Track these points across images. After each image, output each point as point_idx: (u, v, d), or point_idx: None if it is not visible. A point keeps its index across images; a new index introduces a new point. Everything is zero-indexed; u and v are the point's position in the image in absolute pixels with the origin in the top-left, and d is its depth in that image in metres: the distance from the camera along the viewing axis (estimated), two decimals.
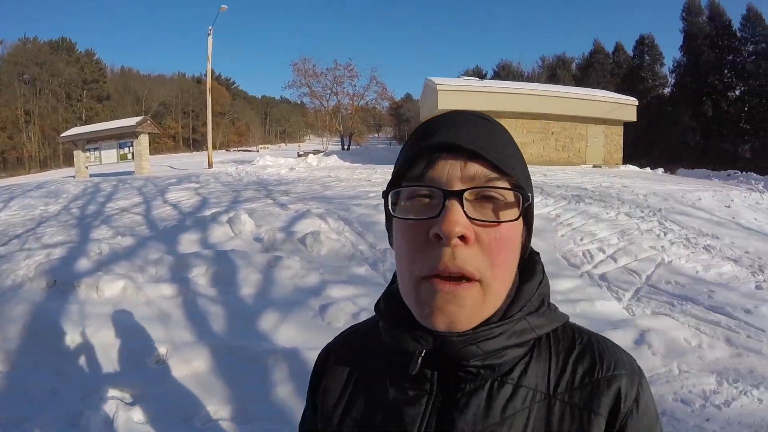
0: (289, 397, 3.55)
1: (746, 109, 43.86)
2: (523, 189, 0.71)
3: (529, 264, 0.80)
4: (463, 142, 0.69)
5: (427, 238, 0.67)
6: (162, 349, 4.06)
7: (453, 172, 0.69)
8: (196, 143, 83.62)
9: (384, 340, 0.79)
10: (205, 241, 7.30)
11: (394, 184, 0.74)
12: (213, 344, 4.14)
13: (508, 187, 0.70)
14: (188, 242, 7.23)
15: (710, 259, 7.71)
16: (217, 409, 3.44)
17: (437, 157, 0.70)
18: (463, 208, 0.67)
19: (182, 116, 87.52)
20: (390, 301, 0.80)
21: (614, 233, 8.54)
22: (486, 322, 0.71)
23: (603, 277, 6.66)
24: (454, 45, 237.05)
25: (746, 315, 5.52)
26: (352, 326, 0.97)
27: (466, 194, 0.67)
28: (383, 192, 0.74)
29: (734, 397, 3.93)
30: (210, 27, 27.76)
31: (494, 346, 0.70)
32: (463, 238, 0.66)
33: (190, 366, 3.87)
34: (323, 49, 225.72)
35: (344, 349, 0.91)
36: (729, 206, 11.94)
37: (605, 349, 0.77)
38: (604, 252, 7.57)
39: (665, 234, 8.77)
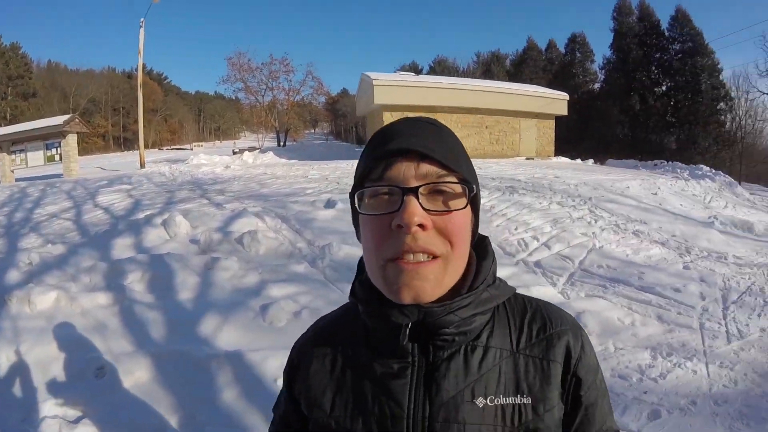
0: (236, 400, 3.50)
1: (672, 103, 46.03)
2: (468, 182, 0.84)
3: (482, 246, 0.96)
4: (415, 146, 0.81)
5: (390, 228, 0.79)
6: (102, 362, 3.88)
7: (408, 172, 0.81)
8: (127, 142, 79.98)
9: (368, 321, 0.89)
10: (139, 245, 7.09)
11: (358, 185, 0.85)
12: (154, 352, 4.01)
13: (456, 181, 0.83)
14: (122, 247, 7.00)
15: (639, 243, 8.08)
16: (165, 419, 3.35)
17: (394, 160, 0.82)
18: (419, 201, 0.79)
19: (112, 114, 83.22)
20: (364, 287, 0.91)
21: (547, 222, 8.83)
22: (457, 294, 0.84)
23: (538, 264, 6.88)
24: (391, 40, 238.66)
25: (675, 293, 5.85)
26: (318, 321, 1.06)
27: (420, 190, 0.79)
28: (350, 193, 0.86)
29: (669, 369, 4.18)
30: (142, 19, 26.50)
31: (467, 313, 0.84)
32: (421, 226, 0.78)
33: (132, 377, 3.73)
34: (259, 44, 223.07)
35: (318, 340, 1.00)
36: (656, 193, 12.51)
37: (551, 310, 0.95)
38: (538, 240, 7.81)
39: (596, 221, 9.12)
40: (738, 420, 3.49)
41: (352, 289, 0.95)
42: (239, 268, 5.89)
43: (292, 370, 1.01)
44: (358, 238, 0.90)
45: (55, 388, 3.63)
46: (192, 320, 4.66)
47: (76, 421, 3.26)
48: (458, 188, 0.83)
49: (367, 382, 0.89)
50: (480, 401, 0.84)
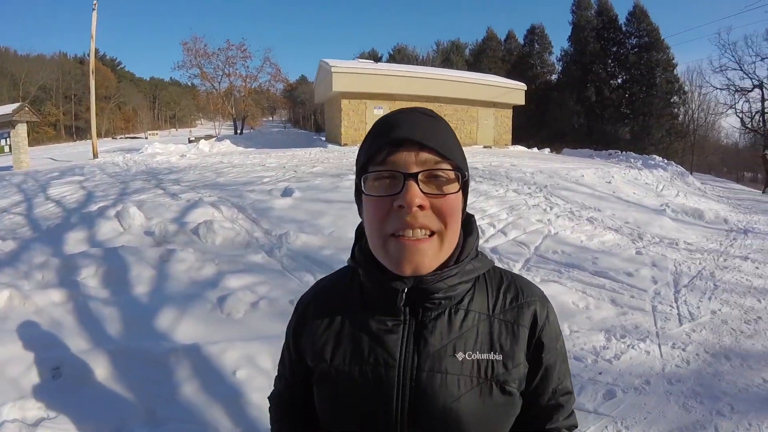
0: (196, 394, 3.45)
1: (627, 95, 47.25)
2: (461, 169, 0.97)
3: (469, 223, 1.08)
4: (415, 136, 0.93)
5: (392, 208, 0.92)
6: (59, 361, 3.75)
7: (409, 159, 0.93)
8: (79, 131, 76.30)
9: (368, 284, 1.04)
10: (92, 238, 6.90)
11: (363, 169, 0.98)
12: (111, 349, 3.90)
13: (450, 168, 0.95)
14: (75, 241, 6.79)
15: (593, 229, 8.29)
16: (125, 416, 3.26)
17: (396, 148, 0.94)
18: (418, 185, 0.91)
19: (64, 101, 78.89)
20: (365, 254, 1.04)
21: (504, 209, 8.99)
22: (446, 266, 0.99)
23: (494, 250, 7.01)
24: (350, 28, 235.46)
25: (628, 277, 6.04)
26: (319, 282, 1.20)
27: (420, 176, 0.92)
28: (356, 175, 1.01)
29: (623, 350, 4.32)
30: (95, 1, 25.28)
31: (454, 281, 0.99)
32: (420, 206, 0.91)
33: (90, 375, 3.62)
34: (216, 28, 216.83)
35: (321, 299, 1.14)
36: (610, 182, 12.84)
37: (523, 283, 1.11)
38: (494, 227, 7.94)
39: (551, 208, 9.32)
40: (691, 398, 3.62)
41: (352, 254, 1.10)
42: (195, 259, 5.80)
43: (298, 326, 1.15)
44: (360, 214, 1.04)
45: (12, 390, 3.48)
46: (148, 315, 4.57)
47: (36, 423, 3.15)
48: (452, 174, 0.96)
49: (365, 336, 1.02)
50: (460, 355, 0.99)
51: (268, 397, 1.30)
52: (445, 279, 0.98)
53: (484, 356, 1.00)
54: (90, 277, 5.29)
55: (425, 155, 0.93)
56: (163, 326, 4.39)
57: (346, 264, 1.15)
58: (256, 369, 3.64)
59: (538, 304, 1.07)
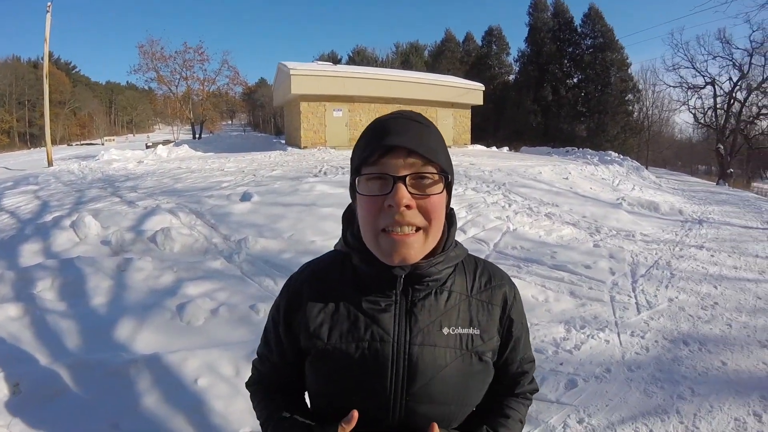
0: (158, 404, 3.39)
1: (583, 94, 48.32)
2: (445, 172, 1.08)
3: (450, 216, 1.19)
4: (404, 143, 1.03)
5: (383, 206, 1.03)
6: (18, 377, 3.64)
7: (398, 163, 1.04)
8: (34, 138, 73.61)
9: (365, 268, 1.14)
10: (48, 250, 6.72)
11: (357, 170, 1.08)
12: (71, 363, 3.79)
13: (435, 171, 1.06)
14: (30, 253, 6.60)
15: (551, 224, 8.45)
16: (88, 431, 3.19)
17: (387, 153, 1.04)
18: (406, 187, 1.02)
19: (17, 107, 75.88)
20: (358, 240, 1.14)
21: (462, 207, 9.10)
22: (433, 254, 1.12)
23: None
24: (310, 30, 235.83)
25: (587, 270, 6.17)
26: (308, 265, 1.28)
27: (407, 178, 1.03)
28: (351, 176, 1.11)
29: (583, 341, 4.41)
30: (49, 3, 24.34)
31: (441, 267, 1.13)
32: (407, 206, 1.02)
33: (51, 390, 3.52)
34: (173, 31, 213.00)
35: (313, 281, 1.22)
36: (567, 178, 13.09)
37: (494, 268, 1.29)
38: None
39: (510, 205, 9.46)
40: (652, 384, 3.72)
41: (345, 240, 1.19)
42: (153, 267, 5.70)
43: (290, 308, 1.22)
44: (353, 206, 1.17)
45: None
46: (107, 326, 4.47)
47: None
48: (437, 177, 1.07)
49: (360, 315, 1.13)
50: (445, 330, 1.14)
51: (247, 384, 1.36)
52: (435, 265, 1.11)
53: (465, 331, 1.15)
54: (46, 290, 5.16)
55: (412, 160, 1.04)
56: (122, 337, 4.30)
57: (333, 249, 1.26)
58: (217, 376, 3.59)
59: (507, 287, 1.26)
